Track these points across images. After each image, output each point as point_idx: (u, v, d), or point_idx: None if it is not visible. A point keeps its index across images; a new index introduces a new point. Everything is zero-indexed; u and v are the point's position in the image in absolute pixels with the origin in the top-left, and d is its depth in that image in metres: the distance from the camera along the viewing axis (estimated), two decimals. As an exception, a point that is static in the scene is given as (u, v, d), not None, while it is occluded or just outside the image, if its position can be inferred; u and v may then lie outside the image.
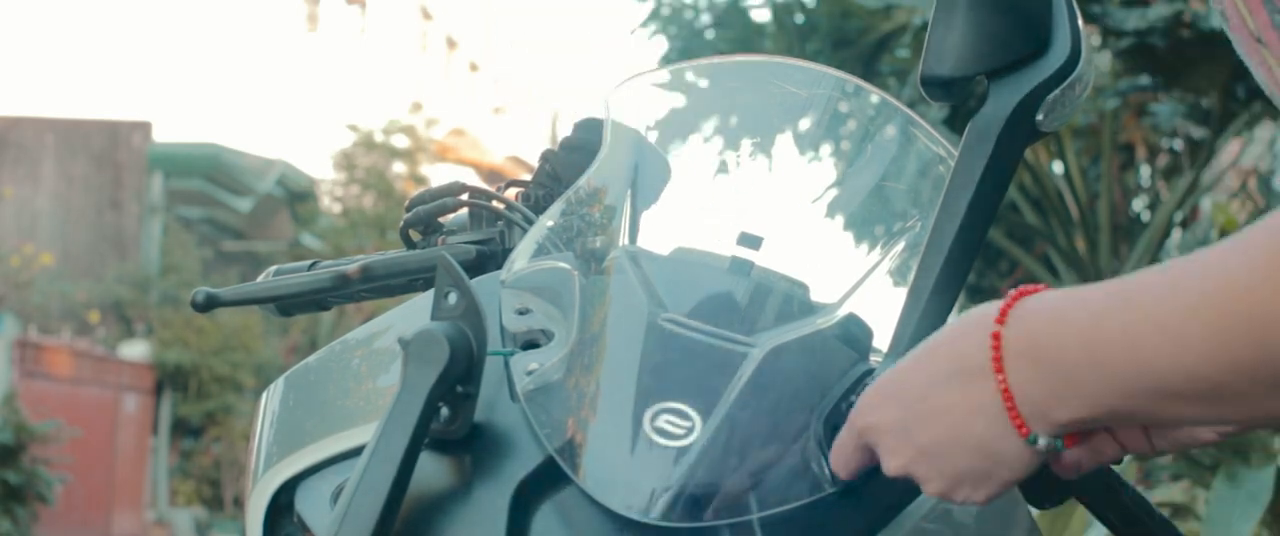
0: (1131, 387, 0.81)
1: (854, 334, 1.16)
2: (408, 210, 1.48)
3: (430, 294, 1.15)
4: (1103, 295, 0.83)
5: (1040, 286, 0.90)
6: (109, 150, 16.74)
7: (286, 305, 1.48)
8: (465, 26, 29.24)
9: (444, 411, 1.12)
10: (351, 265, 1.43)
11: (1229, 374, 0.75)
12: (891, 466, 0.97)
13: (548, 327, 1.18)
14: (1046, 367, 0.85)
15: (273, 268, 1.50)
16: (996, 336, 0.88)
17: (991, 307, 0.89)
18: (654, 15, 10.51)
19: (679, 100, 1.37)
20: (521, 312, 1.20)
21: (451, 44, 28.76)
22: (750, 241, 1.20)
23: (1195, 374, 0.77)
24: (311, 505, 1.21)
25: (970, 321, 0.91)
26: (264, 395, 1.34)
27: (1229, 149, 8.92)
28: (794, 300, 1.18)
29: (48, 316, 14.76)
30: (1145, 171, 9.51)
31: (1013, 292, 0.89)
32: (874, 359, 1.14)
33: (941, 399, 0.91)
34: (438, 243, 1.47)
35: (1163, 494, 4.53)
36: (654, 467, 1.08)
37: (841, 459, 1.04)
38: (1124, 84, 7.90)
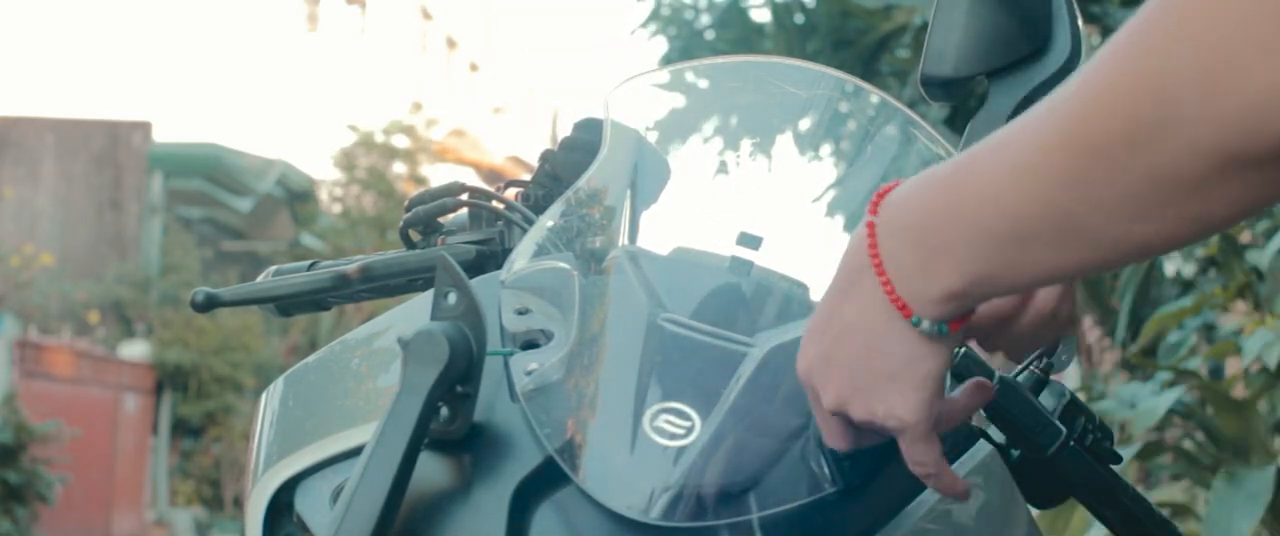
0: (990, 233, 0.83)
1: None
2: (407, 210, 1.48)
3: (430, 294, 1.15)
4: (961, 155, 0.86)
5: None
6: (109, 150, 16.74)
7: (286, 305, 1.47)
8: (465, 26, 29.23)
9: (444, 411, 1.12)
10: (351, 265, 1.43)
11: (1076, 196, 0.78)
12: (827, 399, 0.96)
13: (547, 328, 1.18)
14: (914, 237, 0.87)
15: (272, 267, 1.50)
16: (871, 226, 0.89)
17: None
18: (654, 16, 10.52)
19: (679, 100, 1.37)
20: (521, 313, 1.20)
21: (451, 44, 28.75)
22: (750, 241, 1.20)
23: (1045, 199, 0.79)
24: (311, 505, 1.21)
25: (854, 232, 0.92)
26: (264, 395, 1.34)
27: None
28: (794, 300, 1.18)
29: (48, 316, 14.76)
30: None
31: (881, 188, 0.91)
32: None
33: (842, 310, 0.93)
34: (437, 243, 1.47)
35: (1163, 494, 4.54)
36: (654, 467, 1.08)
37: (827, 432, 1.01)
38: (1124, 84, 7.87)
